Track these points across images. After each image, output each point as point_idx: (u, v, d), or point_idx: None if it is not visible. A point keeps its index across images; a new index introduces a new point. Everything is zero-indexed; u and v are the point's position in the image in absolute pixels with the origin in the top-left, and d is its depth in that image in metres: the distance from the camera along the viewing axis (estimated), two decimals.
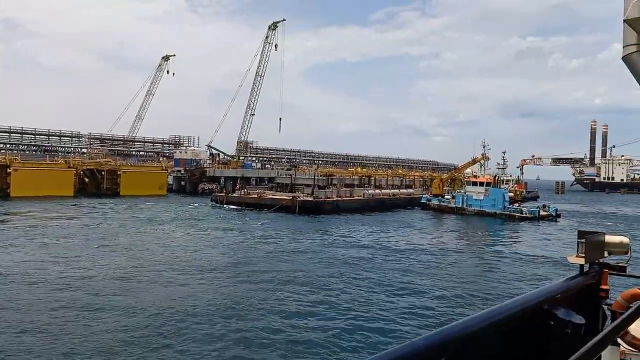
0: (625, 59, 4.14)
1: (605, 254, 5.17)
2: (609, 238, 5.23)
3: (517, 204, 61.47)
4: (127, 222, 41.70)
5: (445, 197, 64.42)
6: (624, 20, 3.59)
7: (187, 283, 20.13)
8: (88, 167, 77.89)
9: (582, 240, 5.04)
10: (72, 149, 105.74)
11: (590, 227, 48.64)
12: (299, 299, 17.95)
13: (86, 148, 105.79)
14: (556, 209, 58.16)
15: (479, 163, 64.97)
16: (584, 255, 4.86)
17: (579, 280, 4.68)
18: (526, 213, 54.71)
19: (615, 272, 5.06)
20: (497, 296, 19.29)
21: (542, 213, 55.45)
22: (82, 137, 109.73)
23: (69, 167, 73.79)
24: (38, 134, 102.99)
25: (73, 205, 55.23)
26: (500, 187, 60.39)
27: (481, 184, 58.92)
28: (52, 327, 14.28)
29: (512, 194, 67.21)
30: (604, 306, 4.99)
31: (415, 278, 22.20)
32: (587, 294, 4.76)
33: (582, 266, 4.85)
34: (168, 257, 25.91)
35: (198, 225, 40.59)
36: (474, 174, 64.05)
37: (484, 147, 63.75)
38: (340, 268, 23.95)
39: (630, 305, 4.93)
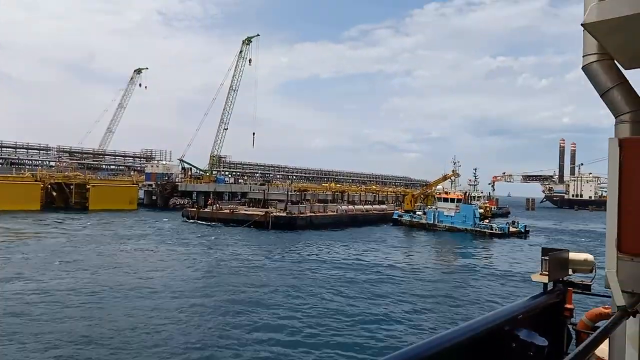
0: (585, 69, 3.78)
1: (570, 271, 5.03)
2: (573, 255, 5.08)
3: (487, 221, 62.28)
4: (92, 238, 40.38)
5: (417, 213, 64.97)
6: (582, 25, 3.22)
7: (151, 303, 19.40)
8: (56, 181, 75.63)
9: (545, 258, 4.82)
10: (39, 162, 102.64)
11: (560, 244, 49.64)
12: (265, 321, 17.48)
13: (54, 161, 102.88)
14: (525, 226, 59.13)
15: (449, 179, 65.88)
16: (547, 273, 4.70)
17: (542, 299, 4.53)
18: (496, 229, 55.49)
19: (579, 291, 4.90)
20: (467, 314, 19.26)
21: (512, 229, 56.29)
22: (50, 150, 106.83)
23: (35, 181, 71.68)
24: (4, 147, 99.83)
25: (39, 220, 53.33)
26: (470, 204, 61.27)
27: (452, 200, 59.70)
28: None
29: (482, 210, 68.20)
30: (568, 326, 4.86)
31: (385, 296, 22.02)
32: (550, 313, 4.61)
33: (545, 284, 4.70)
34: (132, 275, 25.04)
35: (167, 242, 39.55)
36: (445, 190, 64.91)
37: (454, 163, 64.57)
38: (310, 287, 23.59)
39: (596, 325, 4.85)
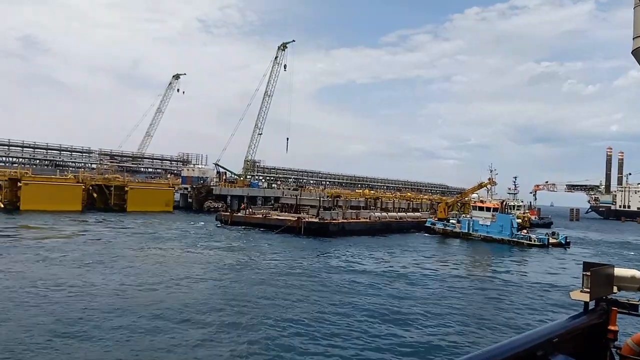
0: (635, 52, 3.58)
1: (615, 289, 4.54)
2: (618, 271, 4.59)
3: (525, 231, 60.03)
4: (130, 238, 41.39)
5: (451, 221, 63.31)
6: (634, 8, 3.19)
7: (183, 305, 19.28)
8: (96, 183, 78.38)
9: (587, 273, 4.36)
10: (82, 164, 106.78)
11: (606, 258, 46.96)
12: (299, 329, 16.97)
13: (96, 164, 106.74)
14: (566, 237, 56.61)
15: (485, 188, 63.92)
16: (589, 290, 4.22)
17: (582, 319, 4.10)
18: (535, 240, 53.37)
19: (625, 311, 4.36)
20: (502, 328, 18.12)
21: (552, 240, 54.10)
22: (92, 153, 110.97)
23: (77, 182, 74.41)
24: (50, 149, 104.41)
25: (80, 220, 55.32)
26: (508, 213, 59.15)
27: (487, 209, 57.81)
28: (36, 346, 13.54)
29: (520, 220, 65.82)
30: (612, 349, 4.32)
31: (413, 309, 21.09)
32: (592, 336, 4.13)
33: (586, 303, 4.23)
34: (165, 276, 25.16)
35: (200, 245, 39.78)
36: (481, 198, 63.00)
37: (490, 171, 62.76)
38: (343, 295, 22.93)
39: None
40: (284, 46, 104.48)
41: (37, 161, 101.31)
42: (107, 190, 78.06)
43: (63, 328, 15.62)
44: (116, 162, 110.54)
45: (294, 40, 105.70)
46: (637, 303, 4.40)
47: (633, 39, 3.58)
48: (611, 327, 4.27)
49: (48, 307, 17.98)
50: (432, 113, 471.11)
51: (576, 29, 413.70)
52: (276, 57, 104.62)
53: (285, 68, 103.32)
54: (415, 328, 17.74)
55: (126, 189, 78.02)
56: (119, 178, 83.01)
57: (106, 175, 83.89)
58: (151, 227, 52.40)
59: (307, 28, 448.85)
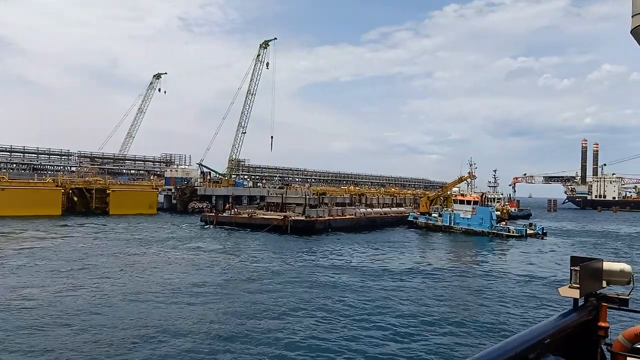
0: (634, 32, 3.48)
1: (604, 284, 4.47)
2: (607, 265, 4.50)
3: (504, 223, 61.57)
4: (112, 243, 40.70)
5: (433, 215, 64.32)
6: None
7: (169, 309, 19.30)
8: (76, 186, 76.89)
9: (576, 268, 4.23)
10: (61, 167, 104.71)
11: (586, 248, 48.31)
12: (290, 331, 17.20)
13: (75, 166, 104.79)
14: (542, 228, 58.30)
15: (465, 181, 65.26)
16: (578, 286, 4.11)
17: (572, 317, 4.01)
18: (513, 232, 55.00)
19: (615, 306, 4.30)
20: (486, 323, 18.66)
21: (529, 231, 55.75)
22: (71, 155, 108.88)
23: (57, 186, 72.90)
24: (27, 152, 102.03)
25: (59, 225, 54.13)
26: (487, 206, 60.55)
27: (468, 202, 59.19)
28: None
29: (498, 213, 67.22)
30: (602, 346, 4.26)
31: (406, 304, 21.53)
32: (582, 333, 4.06)
33: (576, 300, 4.13)
34: (149, 280, 25.02)
35: (186, 247, 39.52)
36: (462, 192, 64.24)
37: (470, 165, 63.94)
38: (332, 294, 23.23)
39: (635, 345, 4.23)
40: (265, 44, 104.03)
41: (14, 165, 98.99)
42: (88, 193, 76.63)
43: (38, 340, 15.08)
44: (97, 164, 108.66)
45: (275, 38, 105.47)
46: (627, 298, 4.31)
47: (632, 17, 3.45)
48: (601, 324, 4.19)
49: (15, 322, 16.88)
50: (414, 109, 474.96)
51: (551, 24, 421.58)
52: (258, 55, 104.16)
53: (267, 66, 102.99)
54: (404, 326, 18.13)
55: (108, 191, 76.81)
56: (100, 180, 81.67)
57: (87, 178, 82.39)
58: (134, 231, 51.74)
59: (289, 26, 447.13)
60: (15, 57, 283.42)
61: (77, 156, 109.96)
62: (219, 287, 23.89)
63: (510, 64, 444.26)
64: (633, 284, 4.47)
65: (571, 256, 4.57)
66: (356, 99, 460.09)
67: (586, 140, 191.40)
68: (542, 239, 54.85)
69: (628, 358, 4.01)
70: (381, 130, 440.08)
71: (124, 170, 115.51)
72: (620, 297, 4.35)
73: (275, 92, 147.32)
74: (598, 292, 4.37)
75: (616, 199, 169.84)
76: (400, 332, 16.92)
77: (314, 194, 71.36)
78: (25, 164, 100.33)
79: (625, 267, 4.52)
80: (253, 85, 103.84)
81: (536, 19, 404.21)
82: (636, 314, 4.60)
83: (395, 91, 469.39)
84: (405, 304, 21.28)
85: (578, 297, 4.09)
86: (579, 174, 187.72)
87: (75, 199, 76.56)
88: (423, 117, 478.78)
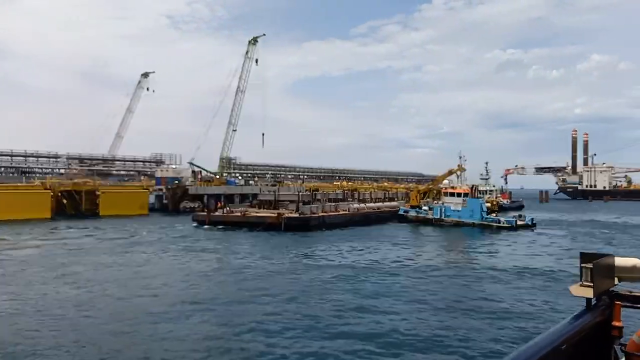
0: None
1: (615, 281, 4.20)
2: (619, 261, 4.24)
3: (494, 214, 61.73)
4: (102, 245, 40.01)
5: (423, 208, 64.26)
6: None
7: (165, 316, 18.79)
8: (65, 189, 75.80)
9: (588, 266, 3.96)
10: (49, 170, 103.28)
11: (575, 237, 48.43)
12: (295, 328, 16.78)
13: (64, 168, 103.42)
14: (532, 218, 58.80)
15: (455, 174, 65.39)
16: (591, 284, 3.85)
17: (586, 318, 3.73)
18: (504, 223, 55.32)
19: (629, 304, 4.04)
20: (485, 319, 18.37)
21: (519, 222, 56.15)
22: (59, 157, 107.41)
23: (45, 189, 71.84)
24: (15, 155, 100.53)
25: (49, 228, 53.26)
26: (478, 198, 60.89)
27: (458, 194, 59.38)
28: None
29: (489, 204, 67.56)
30: (615, 347, 3.99)
31: (404, 299, 21.23)
32: (596, 334, 3.77)
33: (589, 299, 3.86)
34: (138, 285, 24.42)
35: (178, 249, 38.64)
36: (452, 185, 64.51)
37: (460, 158, 64.64)
38: (333, 292, 22.87)
39: None
40: (254, 40, 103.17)
41: (2, 169, 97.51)
42: (77, 195, 75.60)
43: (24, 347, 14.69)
44: (86, 166, 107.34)
45: (264, 34, 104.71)
46: None
47: None
48: (615, 324, 3.99)
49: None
50: (405, 103, 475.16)
51: (541, 16, 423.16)
52: (247, 52, 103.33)
53: (257, 62, 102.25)
54: (403, 319, 17.82)
55: (98, 193, 75.90)
56: (89, 182, 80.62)
57: (75, 180, 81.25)
58: (124, 232, 50.88)
59: (278, 21, 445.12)
60: (3, 62, 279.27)
61: (66, 158, 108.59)
62: (215, 292, 23.07)
63: (500, 56, 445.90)
64: None
65: (580, 252, 4.26)
66: (348, 94, 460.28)
67: (576, 131, 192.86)
68: (532, 229, 55.31)
69: None
70: (373, 125, 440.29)
71: (114, 172, 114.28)
72: (633, 294, 4.13)
73: (265, 89, 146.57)
74: (611, 289, 4.14)
75: (607, 188, 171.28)
76: (400, 329, 16.58)
77: (306, 190, 70.91)
78: (13, 167, 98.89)
79: (638, 262, 4.30)
80: (243, 82, 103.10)
81: (525, 10, 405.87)
82: None
83: (386, 85, 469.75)
84: (404, 300, 20.97)
85: (592, 296, 3.87)
86: (570, 165, 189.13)
87: (65, 201, 75.42)
88: (414, 110, 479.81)
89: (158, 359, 13.93)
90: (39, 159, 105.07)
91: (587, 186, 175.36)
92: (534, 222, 57.77)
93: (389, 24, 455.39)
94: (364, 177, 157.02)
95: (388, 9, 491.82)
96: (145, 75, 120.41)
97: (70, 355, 14.20)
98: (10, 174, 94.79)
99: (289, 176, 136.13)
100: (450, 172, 66.55)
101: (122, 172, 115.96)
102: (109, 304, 20.19)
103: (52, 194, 71.80)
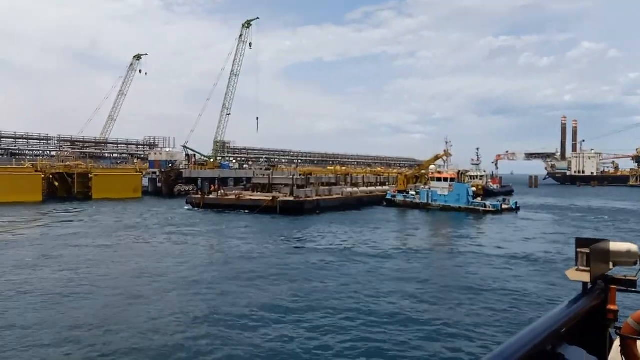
0: None
1: (610, 265, 4.37)
2: (614, 246, 4.39)
3: (479, 199, 63.13)
4: (94, 229, 39.48)
5: (410, 193, 65.17)
6: None
7: (159, 297, 19.27)
8: (57, 171, 75.19)
9: (584, 251, 4.11)
10: (40, 152, 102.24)
11: (567, 222, 49.54)
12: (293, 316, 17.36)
13: (55, 151, 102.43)
14: (516, 202, 61.10)
15: (441, 159, 66.11)
16: (588, 269, 4.00)
17: (583, 302, 3.85)
18: (489, 207, 56.89)
19: (623, 288, 4.18)
20: (478, 300, 19.12)
21: (504, 206, 58.09)
22: (50, 139, 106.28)
23: (36, 171, 71.15)
24: (4, 137, 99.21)
25: (40, 212, 52.38)
26: (464, 182, 62.28)
27: (445, 179, 60.64)
28: None
29: (474, 189, 68.95)
30: (611, 330, 4.18)
31: (406, 287, 21.90)
32: (592, 317, 3.92)
33: (585, 284, 4.02)
34: (137, 268, 24.53)
35: (175, 231, 38.60)
36: (438, 169, 65.53)
37: (446, 143, 65.75)
38: (326, 277, 23.47)
39: None
40: (248, 24, 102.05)
41: None
42: (69, 178, 74.94)
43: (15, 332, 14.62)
44: (78, 149, 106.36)
45: (258, 18, 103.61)
46: (635, 279, 4.22)
47: None
48: (611, 307, 4.08)
49: None
50: (398, 89, 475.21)
51: (532, 3, 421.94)
52: (241, 35, 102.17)
53: (250, 46, 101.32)
54: (390, 302, 18.47)
55: (90, 176, 75.40)
56: (81, 165, 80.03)
57: (67, 163, 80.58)
58: (118, 215, 50.75)
59: (272, 5, 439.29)
60: None
61: (57, 140, 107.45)
62: (213, 274, 23.05)
63: (492, 42, 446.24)
64: None
65: (576, 238, 4.44)
66: (342, 79, 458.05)
67: (565, 118, 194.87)
68: (516, 213, 57.57)
69: (639, 342, 3.93)
70: (366, 110, 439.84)
71: (106, 155, 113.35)
72: (627, 278, 4.23)
73: (259, 73, 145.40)
74: (606, 274, 4.28)
75: (594, 174, 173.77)
76: (397, 316, 17.24)
77: (301, 174, 71.29)
78: (2, 149, 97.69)
79: (633, 247, 4.42)
80: (236, 65, 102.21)
81: None
82: None
83: (380, 71, 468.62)
84: (394, 283, 21.65)
85: (589, 281, 3.98)
86: (559, 151, 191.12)
87: (57, 184, 74.93)
88: (407, 96, 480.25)
89: (146, 339, 13.99)
90: (29, 140, 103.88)
91: (575, 172, 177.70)
92: (517, 205, 60.02)
93: (383, 10, 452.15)
94: (357, 162, 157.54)
95: None
96: (138, 57, 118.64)
97: (58, 335, 14.63)
98: (0, 156, 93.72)
99: (284, 160, 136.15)
100: (437, 157, 67.68)
101: (115, 155, 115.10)
102: (99, 286, 19.99)
103: (43, 176, 71.05)
